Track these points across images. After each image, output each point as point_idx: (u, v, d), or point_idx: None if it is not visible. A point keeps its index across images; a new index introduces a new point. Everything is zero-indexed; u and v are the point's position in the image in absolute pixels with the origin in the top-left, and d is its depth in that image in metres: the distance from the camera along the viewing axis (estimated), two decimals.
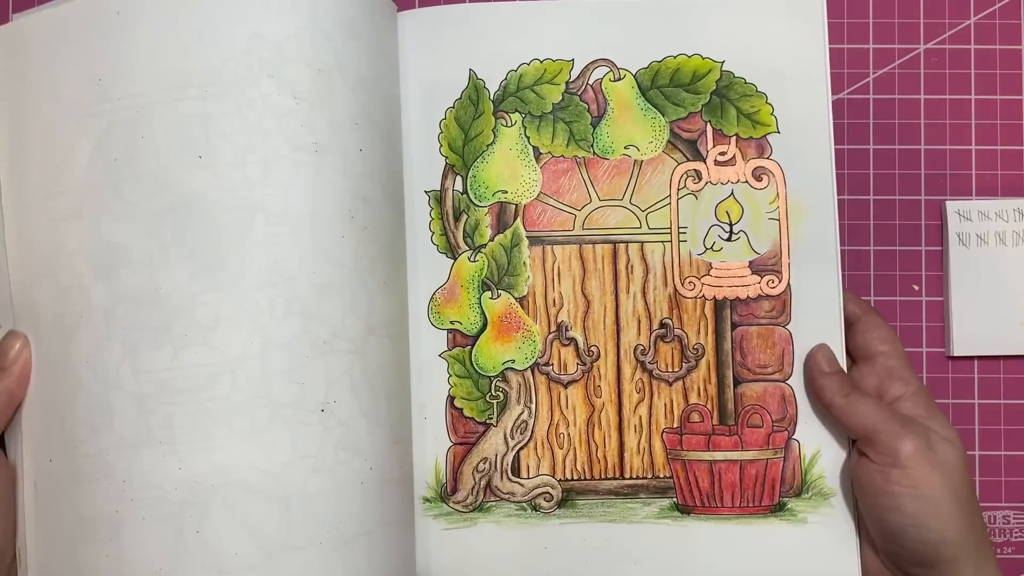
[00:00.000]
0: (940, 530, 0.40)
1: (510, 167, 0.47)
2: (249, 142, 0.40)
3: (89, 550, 0.40)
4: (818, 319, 0.45)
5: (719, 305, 0.46)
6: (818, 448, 0.46)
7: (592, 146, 0.47)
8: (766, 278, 0.46)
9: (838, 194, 0.46)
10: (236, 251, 0.40)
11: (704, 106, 0.46)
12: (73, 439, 0.40)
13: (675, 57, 0.46)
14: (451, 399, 0.46)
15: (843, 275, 0.46)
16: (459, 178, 0.47)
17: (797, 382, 0.46)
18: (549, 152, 0.47)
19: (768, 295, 0.46)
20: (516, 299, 0.47)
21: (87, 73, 0.41)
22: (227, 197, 0.40)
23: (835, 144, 0.46)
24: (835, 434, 0.46)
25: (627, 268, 0.47)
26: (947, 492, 0.41)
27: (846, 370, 0.45)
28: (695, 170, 0.46)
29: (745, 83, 0.46)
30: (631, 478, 0.46)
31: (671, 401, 0.46)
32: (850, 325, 0.46)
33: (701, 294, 0.46)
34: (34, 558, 0.41)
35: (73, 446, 0.40)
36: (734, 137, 0.46)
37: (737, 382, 0.46)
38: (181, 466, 0.39)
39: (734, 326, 0.46)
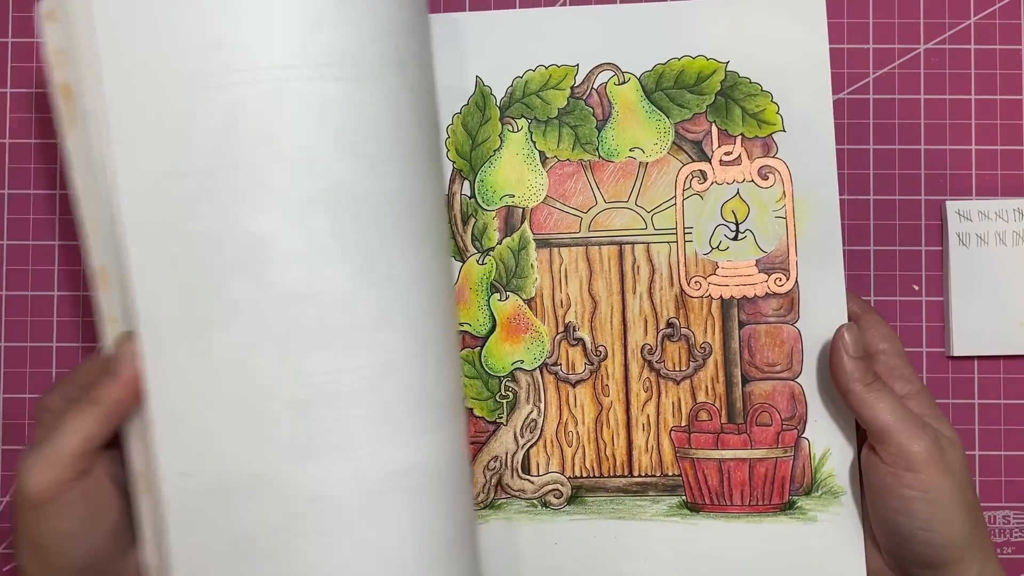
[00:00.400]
0: (948, 533, 0.40)
1: (517, 172, 0.47)
2: (394, 134, 0.37)
3: (249, 568, 0.36)
4: (827, 316, 0.45)
5: (726, 304, 0.47)
6: (828, 447, 0.46)
7: (597, 149, 0.47)
8: (773, 276, 0.46)
9: (838, 194, 0.46)
10: (393, 248, 0.37)
11: (709, 107, 0.47)
12: (216, 452, 0.36)
13: (679, 59, 0.47)
14: None
15: (844, 275, 0.46)
16: (467, 183, 0.47)
17: (807, 380, 0.46)
18: (555, 156, 0.47)
19: (776, 293, 0.46)
20: (524, 301, 0.47)
21: (201, 37, 0.35)
22: (381, 189, 0.37)
23: (835, 144, 0.46)
24: (845, 432, 0.46)
25: (633, 269, 0.47)
26: (956, 495, 0.40)
27: None
28: (700, 170, 0.47)
29: (750, 83, 0.46)
30: (640, 476, 0.46)
31: (679, 400, 0.47)
32: None
33: (707, 293, 0.47)
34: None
35: (217, 459, 0.36)
36: (739, 137, 0.47)
37: (745, 380, 0.46)
38: (353, 474, 0.36)
39: (742, 325, 0.46)
